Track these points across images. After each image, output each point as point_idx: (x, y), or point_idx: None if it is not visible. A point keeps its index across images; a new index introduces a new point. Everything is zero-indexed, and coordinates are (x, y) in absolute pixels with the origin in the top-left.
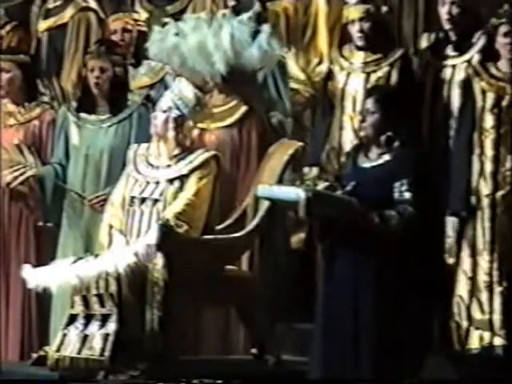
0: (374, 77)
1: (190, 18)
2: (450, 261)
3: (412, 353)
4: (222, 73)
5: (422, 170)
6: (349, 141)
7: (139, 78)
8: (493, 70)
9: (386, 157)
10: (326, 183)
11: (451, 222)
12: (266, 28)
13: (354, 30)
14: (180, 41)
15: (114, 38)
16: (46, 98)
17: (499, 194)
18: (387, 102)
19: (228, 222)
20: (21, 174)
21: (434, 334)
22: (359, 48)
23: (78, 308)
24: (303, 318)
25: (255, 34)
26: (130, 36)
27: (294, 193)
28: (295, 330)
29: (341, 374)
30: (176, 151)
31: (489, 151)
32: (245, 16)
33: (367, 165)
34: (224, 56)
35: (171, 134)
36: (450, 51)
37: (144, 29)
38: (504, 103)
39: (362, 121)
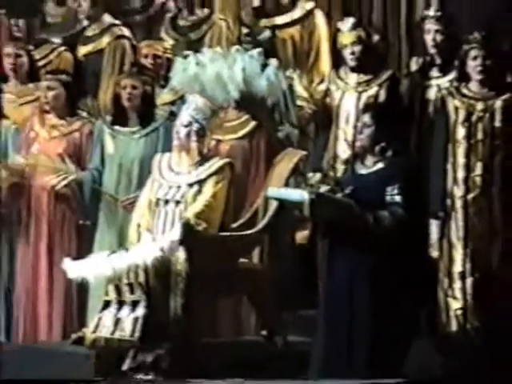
0: (365, 95)
1: (208, 51)
2: (434, 254)
3: (402, 336)
4: (236, 99)
5: (411, 176)
6: (342, 150)
7: (163, 95)
8: (464, 90)
9: (380, 164)
10: (328, 187)
11: (433, 222)
12: (273, 62)
13: (347, 53)
14: (200, 71)
15: (145, 61)
16: (84, 113)
17: (470, 196)
18: (381, 117)
19: (241, 220)
20: (63, 179)
21: (421, 320)
22: (352, 69)
23: (112, 295)
24: (307, 305)
25: (264, 66)
26: (158, 60)
27: (299, 194)
28: (300, 316)
29: (339, 353)
30: (196, 159)
31: (461, 159)
32: (255, 51)
33: (363, 171)
34: (237, 85)
35: (193, 145)
36: (434, 73)
37: (170, 55)
38: (473, 118)
39: (360, 133)
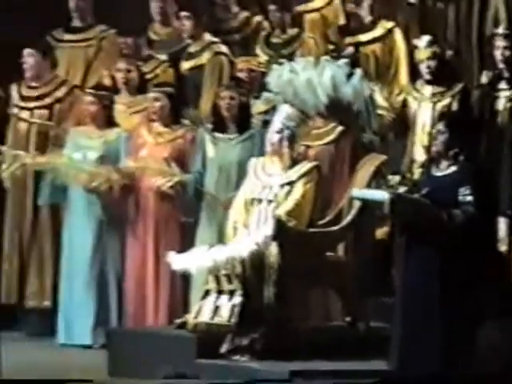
0: (439, 105)
1: (300, 60)
2: (503, 249)
3: (474, 327)
4: (325, 103)
5: (481, 178)
6: (419, 155)
7: (257, 105)
8: None
9: (453, 168)
10: (406, 188)
11: (502, 219)
12: (358, 71)
13: (423, 67)
14: (293, 77)
15: (241, 75)
16: (187, 122)
17: None
18: (454, 125)
19: (327, 218)
20: (169, 181)
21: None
22: (428, 82)
23: (211, 285)
24: (387, 293)
25: (350, 75)
26: (253, 74)
27: (380, 194)
28: (381, 303)
29: (415, 342)
30: (287, 163)
31: None
32: (342, 62)
33: (438, 174)
34: (326, 91)
35: (285, 150)
36: (503, 85)
37: (264, 70)
38: None
39: (435, 139)
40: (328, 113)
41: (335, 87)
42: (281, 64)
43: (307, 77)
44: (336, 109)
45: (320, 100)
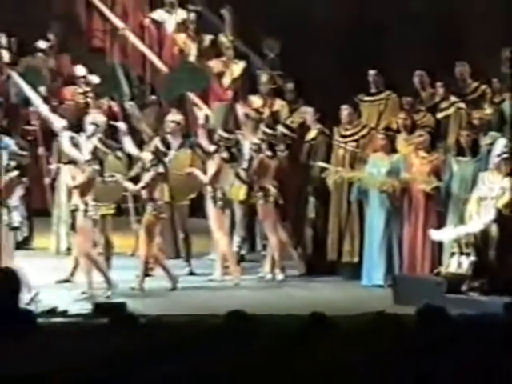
0: None
1: None
2: None
3: None
4: None
5: None
6: None
7: (484, 140)
8: None
9: None
10: None
11: None
12: None
13: None
14: None
15: (475, 121)
16: (440, 150)
17: None
18: None
19: None
20: (429, 186)
21: None
22: None
23: (456, 249)
24: None
25: None
26: (482, 121)
27: None
28: None
29: None
30: (503, 174)
31: None
32: None
33: None
34: None
35: (503, 168)
36: None
37: (489, 118)
38: None
39: None
40: None
41: None
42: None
43: None
44: None
45: None
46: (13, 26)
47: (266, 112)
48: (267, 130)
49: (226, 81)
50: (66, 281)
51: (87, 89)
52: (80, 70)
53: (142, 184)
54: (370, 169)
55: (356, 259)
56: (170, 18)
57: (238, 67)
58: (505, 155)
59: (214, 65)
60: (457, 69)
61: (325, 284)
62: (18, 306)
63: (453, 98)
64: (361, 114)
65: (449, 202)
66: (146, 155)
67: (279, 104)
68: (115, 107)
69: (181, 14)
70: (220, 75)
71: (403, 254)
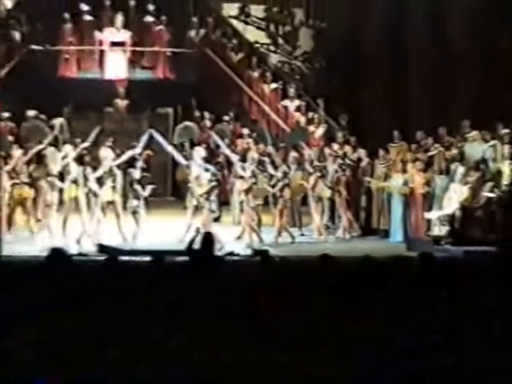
0: None
1: None
2: None
3: None
4: None
5: None
6: None
7: None
8: None
9: None
10: None
11: None
12: None
13: None
14: None
15: None
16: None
17: None
18: None
19: None
20: None
21: None
22: None
23: (438, 222)
24: None
25: None
26: None
27: None
28: None
29: None
30: None
31: None
32: None
33: None
34: None
35: None
36: None
37: None
38: None
39: None
40: None
41: None
42: None
43: None
44: None
45: None
46: None
47: (340, 152)
48: (341, 161)
49: (317, 135)
50: (239, 237)
51: (249, 140)
52: (245, 130)
53: (277, 188)
54: (393, 181)
55: (387, 227)
56: (291, 105)
57: (322, 129)
58: (460, 176)
59: (310, 128)
60: (440, 130)
61: (369, 241)
62: (212, 254)
63: (436, 145)
64: (389, 151)
65: (434, 199)
66: (277, 173)
67: (348, 148)
68: (263, 150)
69: (297, 102)
70: (313, 133)
71: (412, 224)
